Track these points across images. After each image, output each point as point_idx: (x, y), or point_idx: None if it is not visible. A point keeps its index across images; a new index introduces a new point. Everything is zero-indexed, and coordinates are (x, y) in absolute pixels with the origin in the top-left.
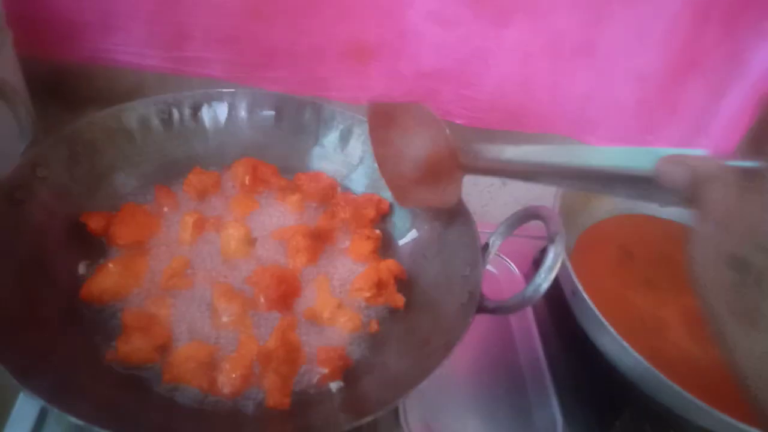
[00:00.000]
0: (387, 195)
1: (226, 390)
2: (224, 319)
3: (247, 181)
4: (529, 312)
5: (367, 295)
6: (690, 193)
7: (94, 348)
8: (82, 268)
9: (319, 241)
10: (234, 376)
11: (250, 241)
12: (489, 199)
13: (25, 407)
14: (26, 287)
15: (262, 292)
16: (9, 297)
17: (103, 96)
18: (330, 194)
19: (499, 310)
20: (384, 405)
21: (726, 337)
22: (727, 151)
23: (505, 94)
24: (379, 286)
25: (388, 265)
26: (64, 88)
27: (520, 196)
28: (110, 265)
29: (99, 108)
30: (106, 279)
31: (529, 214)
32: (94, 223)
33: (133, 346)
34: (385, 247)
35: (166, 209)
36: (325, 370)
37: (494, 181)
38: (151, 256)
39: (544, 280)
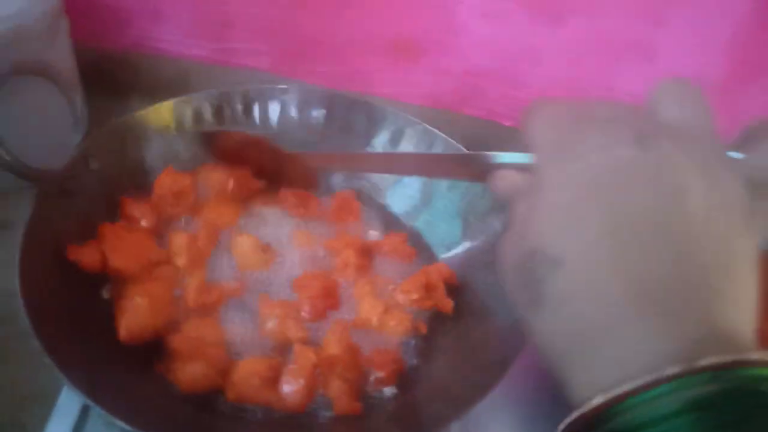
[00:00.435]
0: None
1: (293, 402)
2: (271, 326)
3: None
4: None
5: (415, 297)
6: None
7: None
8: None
9: (368, 258)
10: (298, 387)
11: (266, 250)
12: None
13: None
14: (72, 282)
15: (308, 299)
16: (56, 291)
17: (146, 85)
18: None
19: None
20: (442, 422)
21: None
22: None
23: (553, 95)
24: (428, 288)
25: (438, 267)
26: (108, 75)
27: None
28: (137, 299)
29: (144, 98)
30: (139, 316)
31: None
32: (88, 257)
33: (194, 374)
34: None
35: (144, 222)
36: (382, 374)
37: None
38: (163, 277)
39: None
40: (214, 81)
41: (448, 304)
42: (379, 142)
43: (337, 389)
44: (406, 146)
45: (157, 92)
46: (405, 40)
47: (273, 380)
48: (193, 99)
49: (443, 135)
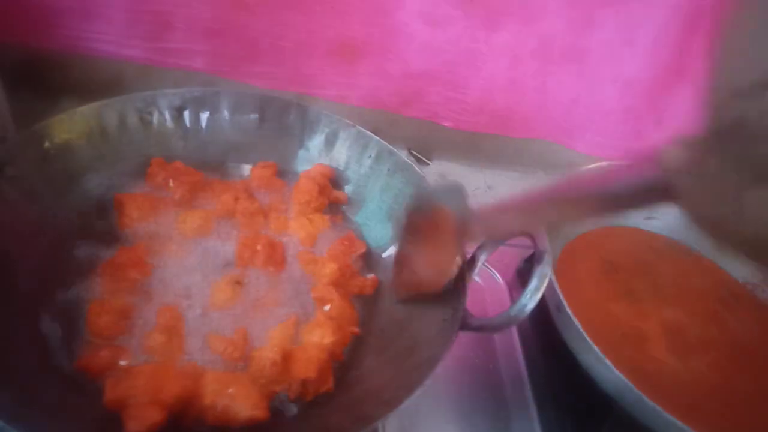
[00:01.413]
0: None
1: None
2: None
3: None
4: None
5: (308, 198)
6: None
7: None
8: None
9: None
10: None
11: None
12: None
13: None
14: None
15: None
16: None
17: (79, 86)
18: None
19: (483, 328)
20: (367, 421)
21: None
22: None
23: (492, 98)
24: (320, 190)
25: (318, 169)
26: (38, 76)
27: None
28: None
29: (75, 99)
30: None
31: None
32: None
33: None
34: (367, 259)
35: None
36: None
37: (479, 185)
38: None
39: (529, 300)
40: (149, 82)
41: (341, 196)
42: (314, 145)
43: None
44: (341, 148)
45: (89, 94)
46: (346, 42)
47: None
48: (118, 102)
49: (377, 137)
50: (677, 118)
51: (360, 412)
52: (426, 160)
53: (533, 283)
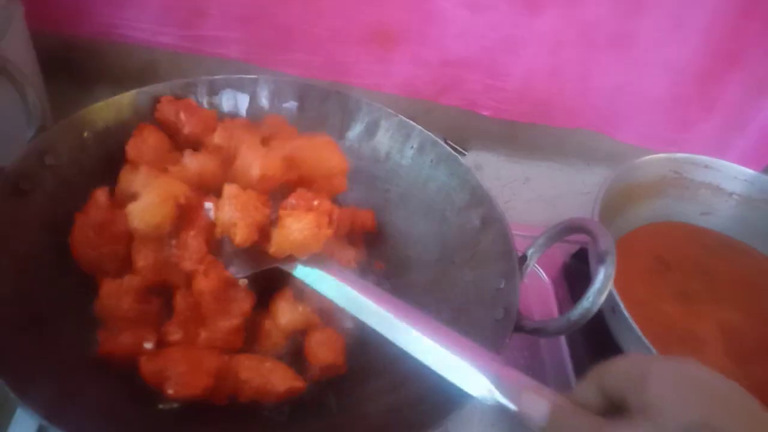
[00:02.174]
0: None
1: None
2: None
3: None
4: None
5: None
6: None
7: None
8: None
9: None
10: None
11: None
12: (511, 195)
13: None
14: (28, 286)
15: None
16: (9, 297)
17: (113, 73)
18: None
19: (540, 332)
20: (419, 428)
21: None
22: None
23: (533, 86)
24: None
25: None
26: (73, 63)
27: (543, 193)
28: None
29: (109, 86)
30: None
31: (573, 227)
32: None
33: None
34: (404, 258)
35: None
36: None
37: (517, 176)
38: None
39: (593, 304)
40: (183, 70)
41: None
42: (354, 134)
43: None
44: (382, 138)
45: (124, 81)
46: (382, 29)
47: None
48: (156, 90)
49: (420, 127)
50: (729, 108)
51: (410, 417)
52: (462, 150)
53: (596, 284)
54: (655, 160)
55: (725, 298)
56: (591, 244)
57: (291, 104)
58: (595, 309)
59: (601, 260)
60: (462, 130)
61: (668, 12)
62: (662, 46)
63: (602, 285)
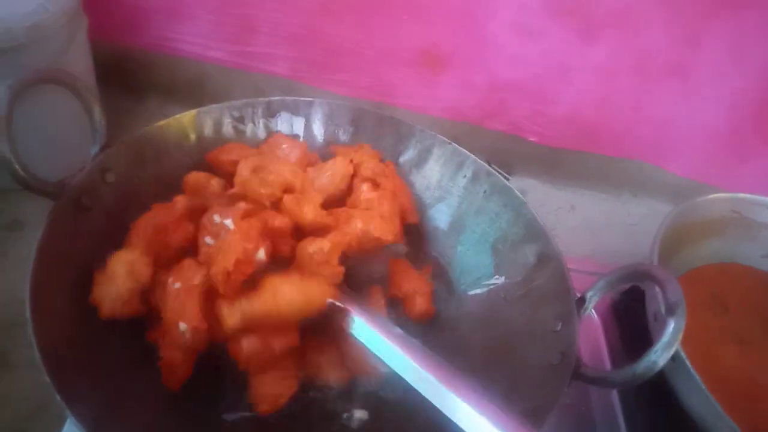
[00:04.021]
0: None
1: None
2: None
3: None
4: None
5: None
6: None
7: (156, 373)
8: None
9: None
10: None
11: None
12: (556, 223)
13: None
14: (85, 301)
15: None
16: (67, 310)
17: (163, 85)
18: None
19: (600, 382)
20: None
21: None
22: None
23: (582, 113)
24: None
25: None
26: (125, 73)
27: (589, 221)
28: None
29: (159, 96)
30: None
31: (636, 275)
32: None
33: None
34: (455, 291)
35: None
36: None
37: (561, 204)
38: None
39: (660, 357)
40: (231, 84)
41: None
42: (405, 160)
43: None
44: (434, 165)
45: (173, 93)
46: (431, 51)
47: None
48: (214, 110)
49: (474, 156)
50: None
51: None
52: (506, 175)
53: (665, 338)
54: (716, 200)
55: None
56: (650, 288)
57: (345, 129)
58: (663, 363)
59: (671, 312)
60: (506, 154)
61: (727, 43)
62: (719, 78)
63: (671, 338)
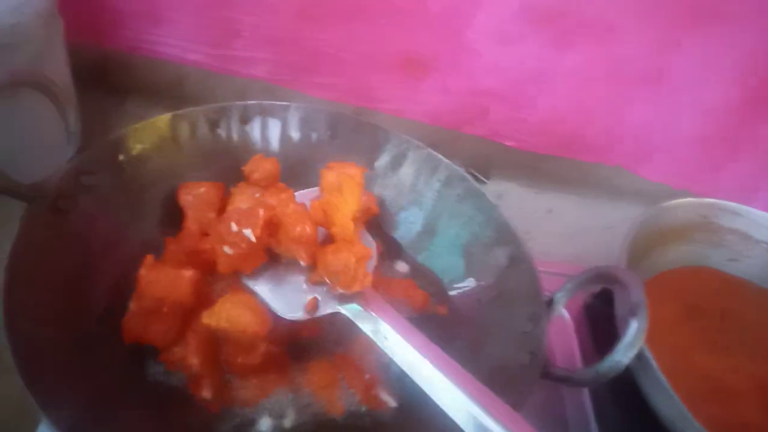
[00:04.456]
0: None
1: None
2: None
3: None
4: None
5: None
6: None
7: (136, 376)
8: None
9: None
10: None
11: None
12: (532, 227)
13: None
14: (63, 306)
15: None
16: (44, 315)
17: (143, 87)
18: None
19: (567, 381)
20: None
21: None
22: None
23: (559, 119)
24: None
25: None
26: (104, 76)
27: (566, 226)
28: None
29: (139, 99)
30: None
31: (602, 277)
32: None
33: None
34: (437, 294)
35: None
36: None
37: (538, 208)
38: None
39: (623, 356)
40: (211, 87)
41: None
42: (380, 165)
43: None
44: (407, 170)
45: (153, 95)
46: (411, 57)
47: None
48: (190, 113)
49: (448, 161)
50: (761, 151)
51: None
52: (483, 179)
53: (627, 338)
54: (683, 204)
55: (758, 348)
56: (618, 290)
57: (322, 133)
58: (626, 363)
59: (632, 313)
60: (484, 158)
61: (702, 51)
62: (694, 85)
63: (634, 339)
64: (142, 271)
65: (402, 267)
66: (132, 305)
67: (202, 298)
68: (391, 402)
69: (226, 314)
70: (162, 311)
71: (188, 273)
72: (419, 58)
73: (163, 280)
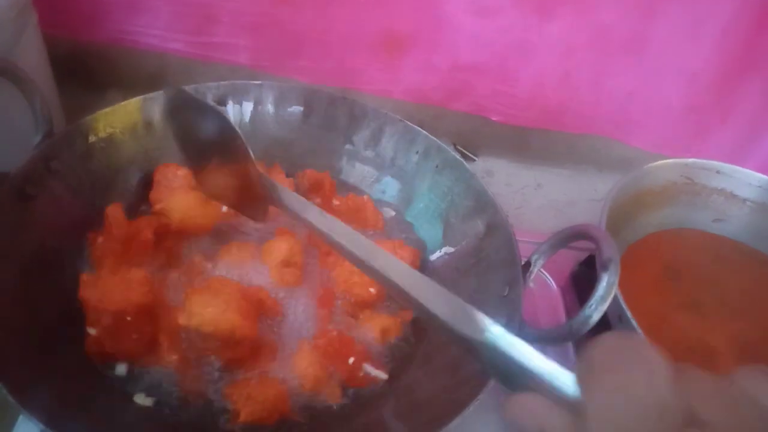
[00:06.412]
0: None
1: None
2: None
3: None
4: None
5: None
6: None
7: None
8: None
9: None
10: None
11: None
12: (522, 202)
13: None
14: (31, 292)
15: None
16: (11, 303)
17: (125, 79)
18: None
19: (541, 340)
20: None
21: None
22: None
23: (544, 91)
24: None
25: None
26: (85, 68)
27: (555, 199)
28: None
29: (120, 91)
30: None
31: (577, 234)
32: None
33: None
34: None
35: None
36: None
37: (528, 183)
38: None
39: (594, 311)
40: (193, 76)
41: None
42: (359, 140)
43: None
44: (386, 144)
45: (135, 86)
46: (391, 35)
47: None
48: (161, 96)
49: (425, 132)
50: (745, 115)
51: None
52: (472, 156)
53: (598, 292)
54: (666, 166)
55: (738, 307)
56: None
57: (296, 109)
58: (597, 317)
59: (604, 267)
60: (472, 135)
61: (683, 17)
62: (677, 52)
63: (605, 293)
64: (84, 293)
65: (387, 213)
66: (92, 330)
67: (160, 295)
68: (382, 375)
69: (210, 317)
70: (126, 322)
71: (137, 273)
72: (399, 37)
73: (112, 291)
